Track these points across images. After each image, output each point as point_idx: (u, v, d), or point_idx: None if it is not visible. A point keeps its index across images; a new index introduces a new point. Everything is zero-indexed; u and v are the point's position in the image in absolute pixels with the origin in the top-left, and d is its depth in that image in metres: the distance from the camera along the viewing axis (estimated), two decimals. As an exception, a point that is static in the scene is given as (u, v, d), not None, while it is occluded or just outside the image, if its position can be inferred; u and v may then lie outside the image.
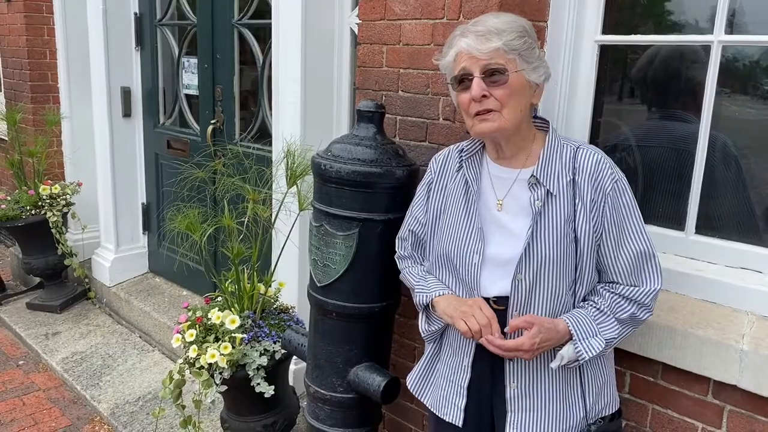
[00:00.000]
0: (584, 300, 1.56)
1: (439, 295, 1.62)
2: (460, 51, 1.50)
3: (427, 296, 1.65)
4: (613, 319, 1.52)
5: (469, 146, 1.67)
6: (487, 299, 1.54)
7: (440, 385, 1.72)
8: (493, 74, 1.47)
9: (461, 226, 1.59)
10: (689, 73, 1.93)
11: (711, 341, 1.67)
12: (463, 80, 1.51)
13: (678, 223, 1.94)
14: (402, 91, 2.18)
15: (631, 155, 2.07)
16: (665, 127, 2.05)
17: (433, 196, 1.71)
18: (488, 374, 1.61)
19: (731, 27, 1.81)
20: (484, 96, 1.47)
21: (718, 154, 1.88)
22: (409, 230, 1.79)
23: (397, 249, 1.86)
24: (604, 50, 2.04)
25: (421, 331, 1.74)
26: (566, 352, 1.49)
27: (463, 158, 1.66)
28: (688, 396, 1.76)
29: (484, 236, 1.55)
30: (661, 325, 1.74)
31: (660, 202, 1.99)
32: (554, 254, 1.48)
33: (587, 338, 1.48)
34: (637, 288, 1.52)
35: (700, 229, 1.91)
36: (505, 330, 1.49)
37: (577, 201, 1.50)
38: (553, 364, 1.51)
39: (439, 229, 1.66)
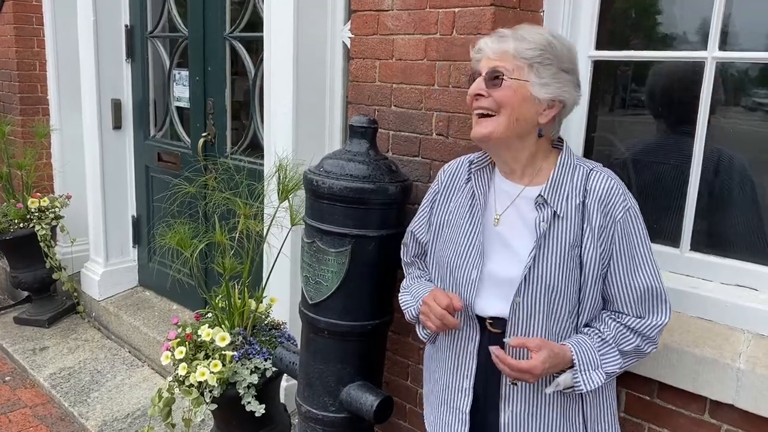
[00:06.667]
0: (587, 326, 1.50)
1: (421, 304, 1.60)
2: (477, 47, 1.50)
3: (413, 309, 1.65)
4: (617, 351, 1.47)
5: (479, 158, 1.62)
6: (483, 319, 1.51)
7: (438, 409, 1.66)
8: (495, 77, 1.44)
9: (463, 239, 1.54)
10: (684, 89, 1.92)
11: (707, 360, 1.65)
12: (474, 78, 1.49)
13: (673, 240, 1.93)
14: (395, 106, 2.17)
15: (626, 170, 2.06)
16: (660, 142, 2.05)
17: (438, 206, 1.67)
18: (482, 397, 1.55)
19: (725, 43, 1.81)
20: (481, 95, 1.45)
21: (712, 169, 1.87)
22: (410, 232, 1.76)
23: (401, 255, 1.83)
24: (598, 66, 2.04)
25: (420, 336, 1.70)
26: (563, 380, 1.44)
27: (473, 170, 1.61)
28: (684, 415, 1.74)
29: (485, 251, 1.51)
30: (657, 344, 1.72)
31: (654, 219, 1.97)
32: (557, 279, 1.43)
33: (588, 370, 1.43)
34: (643, 320, 1.47)
35: (696, 245, 1.89)
36: (506, 340, 1.43)
37: (585, 225, 1.45)
38: (548, 390, 1.45)
39: (441, 241, 1.62)
